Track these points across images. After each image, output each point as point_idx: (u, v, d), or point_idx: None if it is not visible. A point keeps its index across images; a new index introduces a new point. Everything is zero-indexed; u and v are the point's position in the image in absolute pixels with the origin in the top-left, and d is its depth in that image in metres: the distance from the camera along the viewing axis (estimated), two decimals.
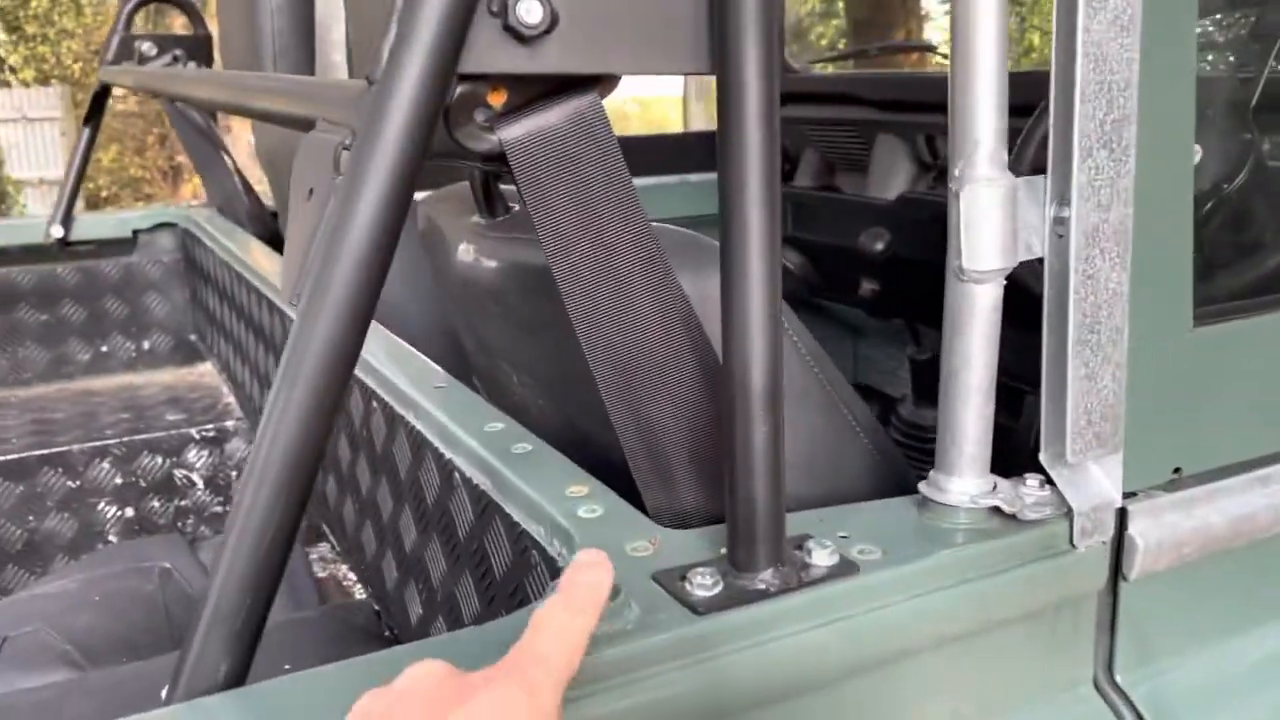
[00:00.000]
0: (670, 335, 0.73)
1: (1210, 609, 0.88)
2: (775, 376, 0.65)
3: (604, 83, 0.68)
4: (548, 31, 0.61)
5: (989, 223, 0.71)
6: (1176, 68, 0.76)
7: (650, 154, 2.78)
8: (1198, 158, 1.48)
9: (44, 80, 10.43)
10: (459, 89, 0.63)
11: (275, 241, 2.00)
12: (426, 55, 0.57)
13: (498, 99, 0.65)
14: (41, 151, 10.19)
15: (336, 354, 0.57)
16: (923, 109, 2.24)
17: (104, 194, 10.03)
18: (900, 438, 2.29)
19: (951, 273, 0.74)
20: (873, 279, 2.47)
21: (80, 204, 2.18)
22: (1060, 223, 0.74)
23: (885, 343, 2.99)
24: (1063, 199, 0.74)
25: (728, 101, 0.63)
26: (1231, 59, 1.48)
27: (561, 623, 0.54)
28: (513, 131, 0.66)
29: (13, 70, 10.43)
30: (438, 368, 1.16)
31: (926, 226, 2.01)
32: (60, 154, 10.23)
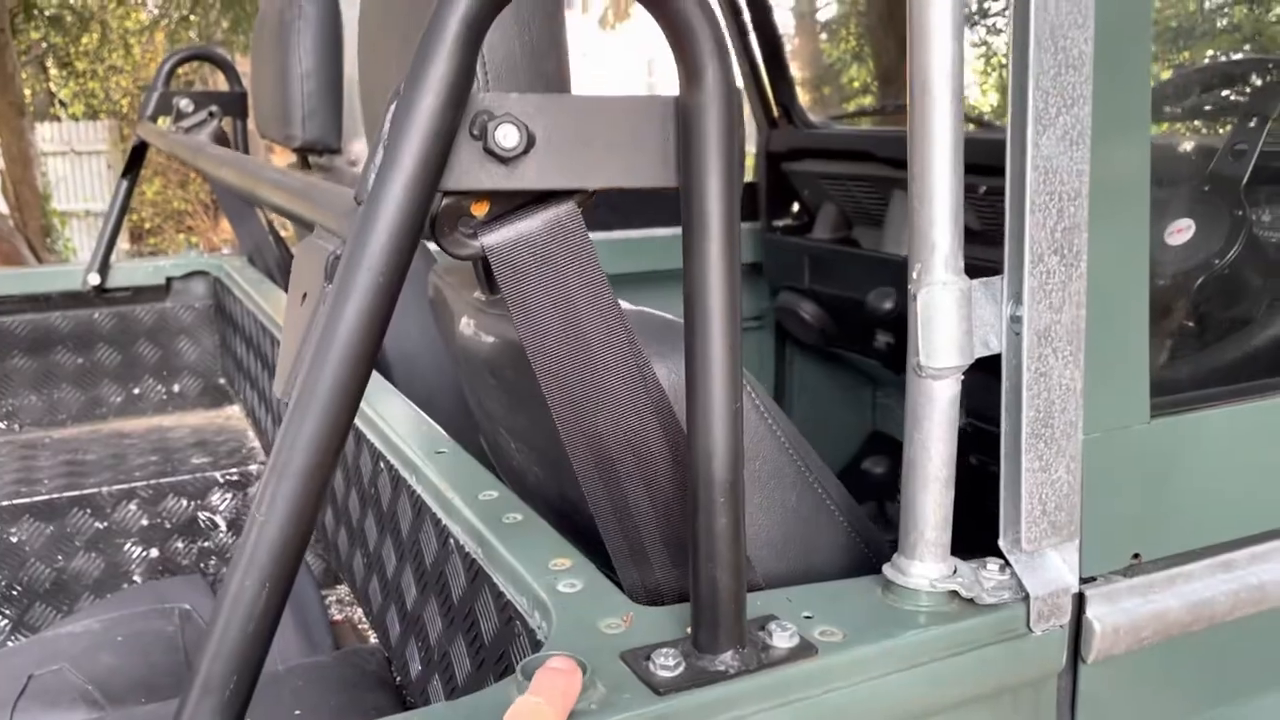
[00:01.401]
0: (642, 421, 0.77)
1: (1171, 692, 0.90)
2: (736, 469, 0.70)
3: (581, 193, 0.73)
4: (525, 152, 0.67)
5: (945, 323, 0.75)
6: (1130, 178, 0.80)
7: (642, 206, 2.78)
8: (1190, 233, 1.51)
9: (92, 115, 10.74)
10: (444, 202, 0.68)
11: None
12: (411, 177, 0.62)
13: (480, 209, 0.70)
14: (88, 184, 10.47)
15: (321, 450, 0.62)
16: None
17: (147, 225, 10.27)
18: None
19: (911, 369, 0.78)
20: (886, 333, 2.50)
21: (123, 235, 2.27)
22: (1016, 321, 0.78)
23: (903, 392, 3.00)
24: (1018, 299, 0.78)
25: (691, 212, 0.68)
26: (1222, 135, 1.51)
27: None
28: (494, 238, 0.71)
29: (63, 104, 10.75)
30: (443, 432, 1.21)
31: None
32: (106, 186, 10.51)
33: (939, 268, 0.75)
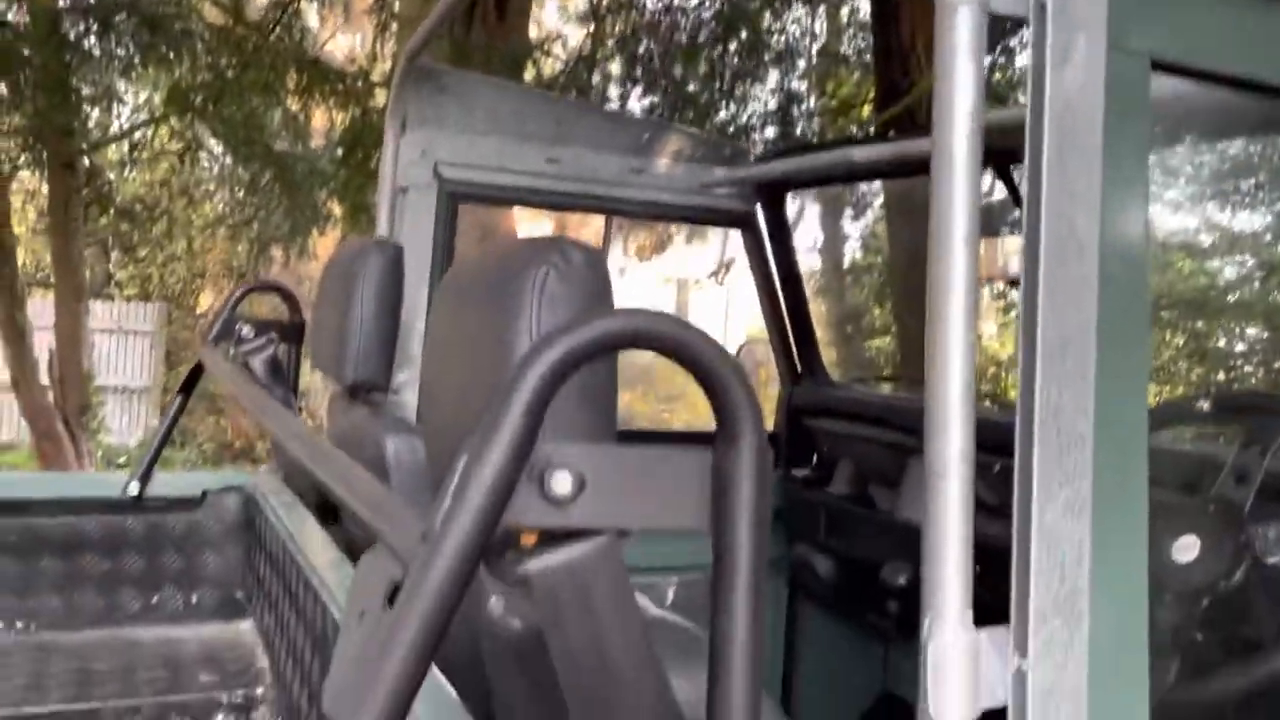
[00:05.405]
0: None
1: None
2: None
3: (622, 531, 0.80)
4: (576, 496, 0.74)
5: (954, 678, 0.80)
6: (1129, 547, 0.86)
7: None
8: (1196, 552, 1.55)
9: (145, 296, 11.19)
10: (498, 535, 0.75)
11: (329, 512, 2.12)
12: (474, 519, 0.69)
13: (529, 539, 0.77)
14: (131, 362, 10.80)
15: None
16: None
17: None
18: None
19: (920, 713, 0.82)
20: (898, 602, 2.51)
21: (154, 410, 2.35)
22: (1020, 675, 0.82)
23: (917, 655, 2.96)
24: (1023, 653, 0.82)
25: (721, 559, 0.74)
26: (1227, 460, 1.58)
27: None
28: (539, 564, 0.77)
29: (119, 285, 11.23)
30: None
31: None
32: (148, 366, 10.84)
33: (950, 621, 0.81)
